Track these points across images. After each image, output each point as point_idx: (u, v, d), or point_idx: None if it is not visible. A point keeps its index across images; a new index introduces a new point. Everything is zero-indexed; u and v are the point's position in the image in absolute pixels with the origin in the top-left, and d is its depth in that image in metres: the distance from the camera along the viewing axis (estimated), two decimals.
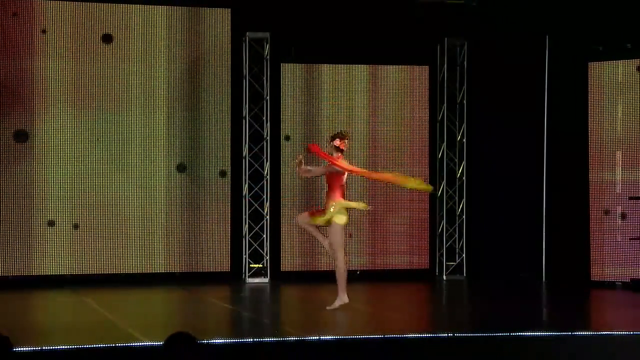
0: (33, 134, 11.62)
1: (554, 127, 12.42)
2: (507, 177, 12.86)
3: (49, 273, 11.62)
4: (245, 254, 12.15)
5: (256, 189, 12.25)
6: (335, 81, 12.65)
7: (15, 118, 11.56)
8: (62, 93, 11.71)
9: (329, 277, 12.38)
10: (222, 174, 12.14)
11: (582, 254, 11.89)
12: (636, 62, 11.68)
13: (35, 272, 11.58)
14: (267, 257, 12.19)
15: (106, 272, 11.81)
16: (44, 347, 6.78)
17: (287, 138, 12.22)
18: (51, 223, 11.62)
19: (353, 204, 9.48)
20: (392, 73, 12.77)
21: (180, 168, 12.06)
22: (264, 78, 12.28)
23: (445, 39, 12.83)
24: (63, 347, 6.96)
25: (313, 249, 12.48)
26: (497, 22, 12.75)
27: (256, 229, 12.14)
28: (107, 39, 11.80)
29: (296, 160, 9.62)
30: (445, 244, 12.86)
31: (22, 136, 11.58)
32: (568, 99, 12.25)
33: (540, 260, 12.38)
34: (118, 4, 11.89)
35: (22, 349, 6.56)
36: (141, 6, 11.98)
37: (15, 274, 11.53)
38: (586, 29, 11.97)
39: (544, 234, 12.38)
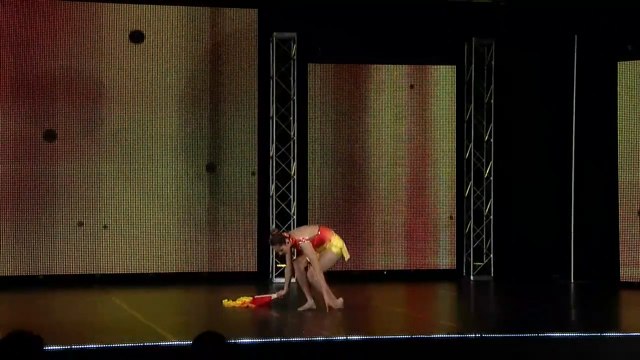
0: (62, 134, 11.70)
1: (582, 127, 12.34)
2: (535, 176, 12.80)
3: (78, 272, 11.70)
4: (272, 254, 12.16)
5: (283, 189, 12.27)
6: (361, 81, 12.64)
7: (44, 118, 11.64)
8: (91, 93, 11.78)
9: (354, 277, 12.40)
10: (252, 173, 12.18)
11: (611, 255, 11.80)
12: None
13: (65, 272, 11.66)
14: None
15: (134, 271, 11.87)
16: (73, 346, 6.83)
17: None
18: (80, 223, 11.70)
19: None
20: (419, 73, 12.74)
21: (210, 168, 12.10)
22: (291, 78, 12.30)
23: (473, 38, 12.79)
24: (92, 346, 7.01)
25: None
26: (525, 22, 12.69)
27: (283, 229, 12.15)
28: (137, 37, 11.84)
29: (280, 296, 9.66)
30: (473, 245, 12.81)
31: (50, 136, 11.67)
32: (597, 98, 12.17)
33: (569, 261, 12.30)
34: (146, 4, 11.94)
35: (52, 347, 6.60)
36: (169, 6, 12.03)
37: (46, 273, 11.62)
38: (615, 28, 11.88)
39: (572, 234, 12.30)
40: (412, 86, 12.66)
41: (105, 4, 11.81)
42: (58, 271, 11.63)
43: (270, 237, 9.59)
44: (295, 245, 9.33)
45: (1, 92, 11.50)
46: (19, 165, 11.54)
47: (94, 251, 11.74)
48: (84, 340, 7.27)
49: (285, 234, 9.51)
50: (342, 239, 9.76)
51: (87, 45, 11.76)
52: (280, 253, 9.51)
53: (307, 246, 9.27)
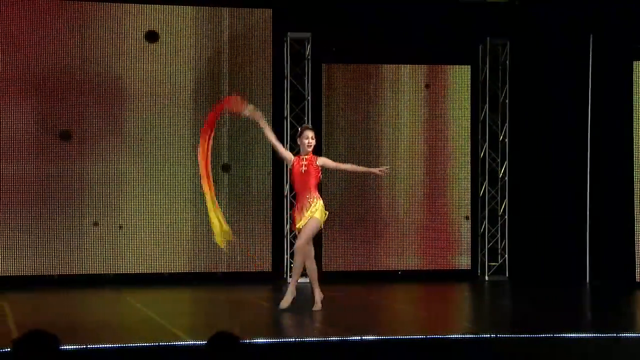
0: (78, 134, 11.74)
1: (597, 127, 12.30)
2: (550, 177, 12.76)
3: (93, 272, 11.74)
4: (287, 254, 12.17)
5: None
6: (375, 81, 12.64)
7: (60, 118, 11.69)
8: (106, 93, 11.82)
9: (372, 277, 12.39)
10: (267, 174, 12.19)
11: (628, 255, 11.76)
12: None
13: (79, 272, 11.71)
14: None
15: (149, 271, 11.91)
16: (88, 346, 6.85)
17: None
18: (95, 223, 11.74)
19: None
20: (434, 73, 12.72)
21: (225, 168, 12.12)
22: (305, 78, 12.30)
23: (488, 38, 12.77)
24: (107, 345, 7.03)
25: (355, 249, 12.48)
26: (539, 21, 12.65)
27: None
28: (152, 36, 11.88)
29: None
30: (488, 245, 12.79)
31: (65, 136, 11.71)
32: (612, 98, 12.12)
33: (584, 261, 12.26)
34: (161, 4, 11.98)
35: (67, 347, 6.63)
36: (183, 7, 12.06)
37: (61, 273, 11.67)
38: (631, 28, 11.84)
39: (587, 234, 12.26)
40: (428, 86, 12.64)
41: (121, 5, 11.85)
42: (73, 271, 11.68)
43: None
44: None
45: (17, 92, 11.55)
46: (34, 165, 11.59)
47: (108, 251, 11.78)
48: (99, 339, 7.29)
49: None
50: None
51: (103, 45, 11.80)
52: (310, 147, 9.24)
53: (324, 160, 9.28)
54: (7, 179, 11.52)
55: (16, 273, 11.50)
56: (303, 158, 9.29)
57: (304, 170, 9.20)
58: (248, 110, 9.37)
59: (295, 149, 12.25)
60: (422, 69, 12.71)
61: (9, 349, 6.44)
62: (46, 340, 3.83)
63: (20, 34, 11.56)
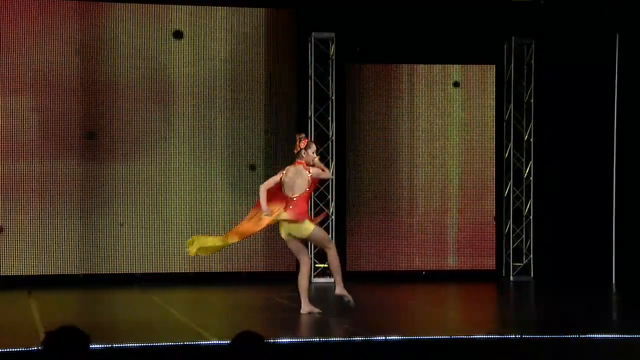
0: (104, 135, 11.80)
1: (624, 126, 12.21)
2: (576, 176, 12.68)
3: (119, 272, 11.79)
4: (311, 254, 12.17)
5: (321, 189, 12.27)
6: (399, 81, 12.62)
7: (87, 118, 11.75)
8: (133, 94, 11.87)
9: (396, 277, 12.37)
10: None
11: None
12: None
13: (105, 271, 11.77)
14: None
15: (175, 271, 11.94)
16: (114, 345, 6.88)
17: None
18: (121, 223, 11.79)
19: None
20: (458, 72, 12.69)
21: (251, 168, 12.14)
22: (329, 78, 12.30)
23: (513, 38, 12.71)
24: (133, 344, 7.05)
25: (379, 249, 12.46)
26: (565, 21, 12.58)
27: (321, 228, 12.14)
28: (177, 35, 11.93)
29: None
30: (512, 245, 12.73)
31: (90, 136, 11.77)
32: (639, 97, 12.03)
33: (610, 262, 12.18)
34: (185, 5, 12.02)
35: (93, 346, 6.65)
36: (208, 7, 12.09)
37: (86, 272, 11.73)
38: None
39: (613, 234, 12.18)
40: (457, 84, 12.60)
41: (146, 5, 11.90)
42: (98, 270, 11.74)
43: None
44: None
45: (44, 92, 11.63)
46: (60, 165, 11.66)
47: (134, 250, 11.83)
48: (124, 339, 7.32)
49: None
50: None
51: (130, 45, 11.85)
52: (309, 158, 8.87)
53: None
54: (32, 179, 11.59)
55: (42, 272, 11.58)
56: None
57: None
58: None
59: (319, 150, 12.27)
60: (446, 69, 12.68)
61: (35, 348, 6.49)
62: (78, 337, 3.85)
63: (44, 34, 11.63)
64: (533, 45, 12.75)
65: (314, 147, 9.04)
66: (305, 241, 9.07)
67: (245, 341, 4.08)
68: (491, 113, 12.76)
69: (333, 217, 12.26)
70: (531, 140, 12.80)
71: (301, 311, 8.91)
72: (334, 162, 12.28)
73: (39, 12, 11.64)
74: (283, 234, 8.91)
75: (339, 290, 9.01)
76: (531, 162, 12.81)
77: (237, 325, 8.42)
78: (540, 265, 12.75)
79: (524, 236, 12.79)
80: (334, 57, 12.29)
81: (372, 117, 12.57)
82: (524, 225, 12.80)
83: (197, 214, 11.99)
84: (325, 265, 12.16)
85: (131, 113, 11.87)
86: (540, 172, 12.82)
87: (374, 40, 12.37)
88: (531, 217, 12.79)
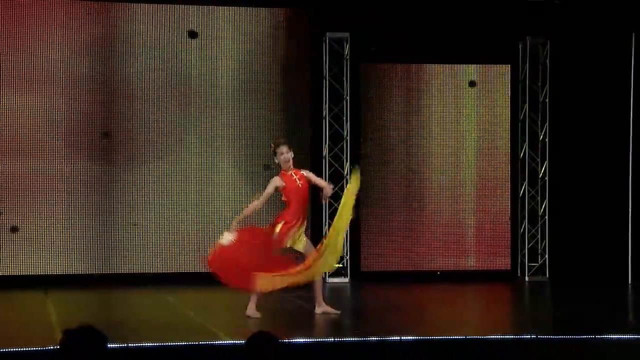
0: (118, 134, 11.83)
1: (639, 126, 12.15)
2: (591, 176, 12.63)
3: (132, 271, 11.82)
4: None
5: (336, 189, 12.24)
6: (414, 80, 12.60)
7: (101, 117, 11.79)
8: (146, 94, 11.90)
9: (410, 277, 12.35)
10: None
11: None
12: None
13: (119, 270, 11.79)
14: (347, 257, 12.19)
15: (188, 270, 11.96)
16: (129, 345, 6.90)
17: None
18: (135, 223, 11.82)
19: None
20: (473, 72, 12.66)
21: (266, 168, 12.14)
22: (344, 78, 12.30)
23: (527, 37, 12.67)
24: (147, 344, 7.07)
25: (394, 249, 12.45)
26: (580, 20, 12.53)
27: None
28: (192, 35, 11.96)
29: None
30: (527, 245, 12.70)
31: (106, 135, 11.81)
32: None
33: (626, 262, 12.13)
34: (200, 5, 12.04)
35: (109, 345, 6.67)
36: (223, 7, 12.10)
37: (100, 271, 11.76)
38: None
39: (629, 234, 12.13)
40: (473, 83, 12.57)
41: (161, 5, 11.92)
42: (113, 270, 11.77)
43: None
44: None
45: (61, 93, 11.67)
46: (76, 165, 11.70)
47: (148, 250, 11.85)
48: (138, 338, 7.33)
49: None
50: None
51: (145, 45, 11.88)
52: (289, 162, 8.72)
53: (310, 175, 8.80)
54: (48, 179, 11.63)
55: (57, 272, 11.62)
56: (291, 174, 8.78)
57: (301, 185, 8.77)
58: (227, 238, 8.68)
59: (333, 150, 12.28)
60: (461, 69, 12.65)
61: (52, 347, 6.51)
62: (96, 337, 3.87)
63: (59, 35, 11.67)
64: (548, 45, 12.71)
65: (281, 149, 8.78)
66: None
67: (260, 341, 4.09)
68: (506, 113, 12.73)
69: None
70: (546, 140, 12.76)
71: (315, 311, 8.90)
72: (348, 162, 12.27)
73: (54, 12, 11.67)
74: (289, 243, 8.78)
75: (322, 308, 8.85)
76: (546, 162, 12.77)
77: (252, 325, 8.42)
78: (555, 266, 12.70)
79: (539, 236, 12.75)
80: (348, 57, 12.28)
81: (386, 117, 12.55)
82: (539, 225, 12.76)
83: (211, 214, 12.00)
84: (340, 265, 12.17)
85: (145, 113, 11.89)
86: (555, 172, 12.77)
87: (389, 40, 12.36)
88: (546, 217, 12.75)
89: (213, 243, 11.94)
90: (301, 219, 8.77)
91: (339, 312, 8.91)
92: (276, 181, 8.81)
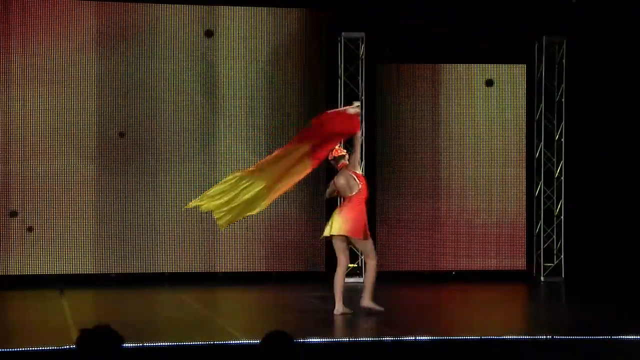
0: (133, 134, 11.87)
1: None
2: (607, 176, 12.59)
3: (149, 271, 11.86)
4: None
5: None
6: (429, 80, 12.59)
7: (118, 117, 11.83)
8: (161, 93, 11.93)
9: (422, 277, 12.35)
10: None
11: None
12: None
13: (136, 270, 11.83)
14: (361, 257, 12.19)
15: (204, 271, 11.99)
16: (145, 344, 6.92)
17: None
18: (150, 223, 11.85)
19: None
20: (488, 71, 12.63)
21: None
22: (359, 78, 12.29)
23: (543, 37, 12.64)
24: (163, 344, 7.09)
25: (409, 249, 12.44)
26: (596, 19, 12.49)
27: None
28: (208, 34, 11.99)
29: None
30: (543, 245, 12.66)
31: (121, 135, 11.85)
32: None
33: None
34: (216, 5, 12.07)
35: (125, 345, 6.69)
36: (238, 7, 12.12)
37: (118, 271, 11.80)
38: None
39: None
40: (491, 82, 12.53)
41: (179, 6, 11.96)
42: (129, 270, 11.81)
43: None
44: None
45: (77, 93, 11.73)
46: (91, 164, 11.75)
47: (164, 250, 11.89)
48: (155, 338, 7.36)
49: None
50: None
51: (158, 45, 11.91)
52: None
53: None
54: (64, 178, 11.68)
55: (74, 271, 11.67)
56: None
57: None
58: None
59: (349, 150, 12.27)
60: (476, 68, 12.63)
61: (68, 347, 6.54)
62: (112, 337, 3.89)
63: (74, 35, 11.72)
64: (564, 45, 12.67)
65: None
66: (348, 242, 9.05)
67: (275, 341, 4.10)
68: (522, 112, 12.70)
69: None
70: (562, 140, 12.72)
71: (334, 312, 8.91)
72: (364, 162, 12.26)
73: (70, 13, 11.72)
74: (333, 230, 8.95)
75: (367, 302, 8.98)
76: (562, 162, 12.73)
77: (267, 325, 8.44)
78: (571, 266, 12.66)
79: (554, 236, 12.71)
80: (363, 57, 12.28)
81: (402, 117, 12.54)
82: (554, 225, 12.72)
83: None
84: (355, 265, 12.17)
85: (162, 113, 11.93)
86: (571, 172, 12.73)
87: (404, 40, 12.34)
88: (562, 217, 12.70)
89: (230, 244, 12.01)
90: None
91: (382, 309, 8.94)
92: (349, 184, 9.26)
